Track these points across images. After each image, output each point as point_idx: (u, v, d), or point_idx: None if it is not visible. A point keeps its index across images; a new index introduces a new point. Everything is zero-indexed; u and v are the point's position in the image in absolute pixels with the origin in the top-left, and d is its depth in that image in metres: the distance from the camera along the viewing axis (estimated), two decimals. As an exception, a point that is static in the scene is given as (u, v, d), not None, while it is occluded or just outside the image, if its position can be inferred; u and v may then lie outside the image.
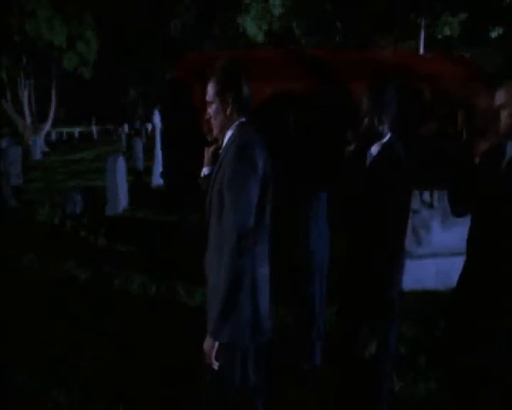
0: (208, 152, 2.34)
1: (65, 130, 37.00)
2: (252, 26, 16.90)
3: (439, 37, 25.51)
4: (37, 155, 21.66)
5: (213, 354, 1.98)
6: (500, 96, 2.34)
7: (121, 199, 9.24)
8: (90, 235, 6.99)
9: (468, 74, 3.22)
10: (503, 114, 2.31)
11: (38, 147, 22.12)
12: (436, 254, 5.07)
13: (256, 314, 2.07)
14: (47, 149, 23.93)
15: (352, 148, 2.59)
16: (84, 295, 5.01)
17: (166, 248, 6.53)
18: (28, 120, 22.49)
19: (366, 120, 2.42)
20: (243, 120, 2.16)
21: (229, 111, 2.13)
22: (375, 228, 2.29)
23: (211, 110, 2.15)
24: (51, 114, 22.80)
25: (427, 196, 5.08)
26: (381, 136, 2.42)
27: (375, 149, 2.44)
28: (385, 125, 2.40)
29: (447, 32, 23.40)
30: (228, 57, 2.23)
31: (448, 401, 2.47)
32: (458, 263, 2.39)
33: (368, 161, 2.45)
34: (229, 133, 2.15)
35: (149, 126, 31.18)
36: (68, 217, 7.64)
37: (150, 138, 27.76)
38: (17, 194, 10.24)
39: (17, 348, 3.88)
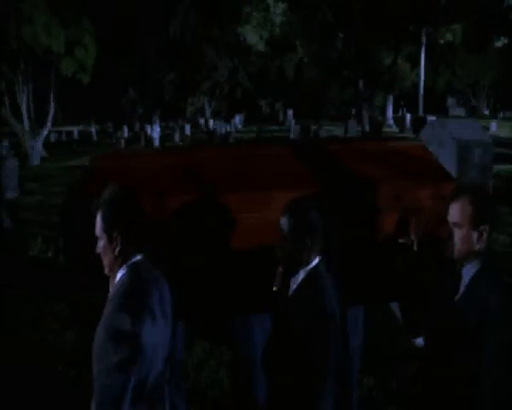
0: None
1: (64, 129, 36.83)
2: (252, 35, 16.72)
3: (441, 42, 25.32)
4: (36, 161, 21.51)
5: None
6: (454, 213, 1.95)
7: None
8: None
9: (429, 174, 2.72)
10: (457, 235, 1.94)
11: (36, 152, 21.95)
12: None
13: None
14: (45, 154, 23.71)
15: (281, 269, 2.26)
16: (72, 353, 4.83)
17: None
18: (26, 125, 22.29)
19: (288, 246, 2.09)
20: (137, 258, 1.85)
21: (117, 251, 1.81)
22: (294, 359, 2.02)
23: (99, 246, 1.84)
24: (49, 119, 22.60)
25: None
26: (307, 262, 2.10)
27: (298, 277, 2.11)
28: (311, 250, 2.08)
29: (449, 37, 23.22)
30: (119, 184, 1.88)
31: None
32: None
33: (291, 290, 2.14)
34: (119, 274, 1.83)
35: (148, 129, 30.96)
36: (61, 250, 7.47)
37: (150, 142, 27.62)
38: (12, 209, 10.05)
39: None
